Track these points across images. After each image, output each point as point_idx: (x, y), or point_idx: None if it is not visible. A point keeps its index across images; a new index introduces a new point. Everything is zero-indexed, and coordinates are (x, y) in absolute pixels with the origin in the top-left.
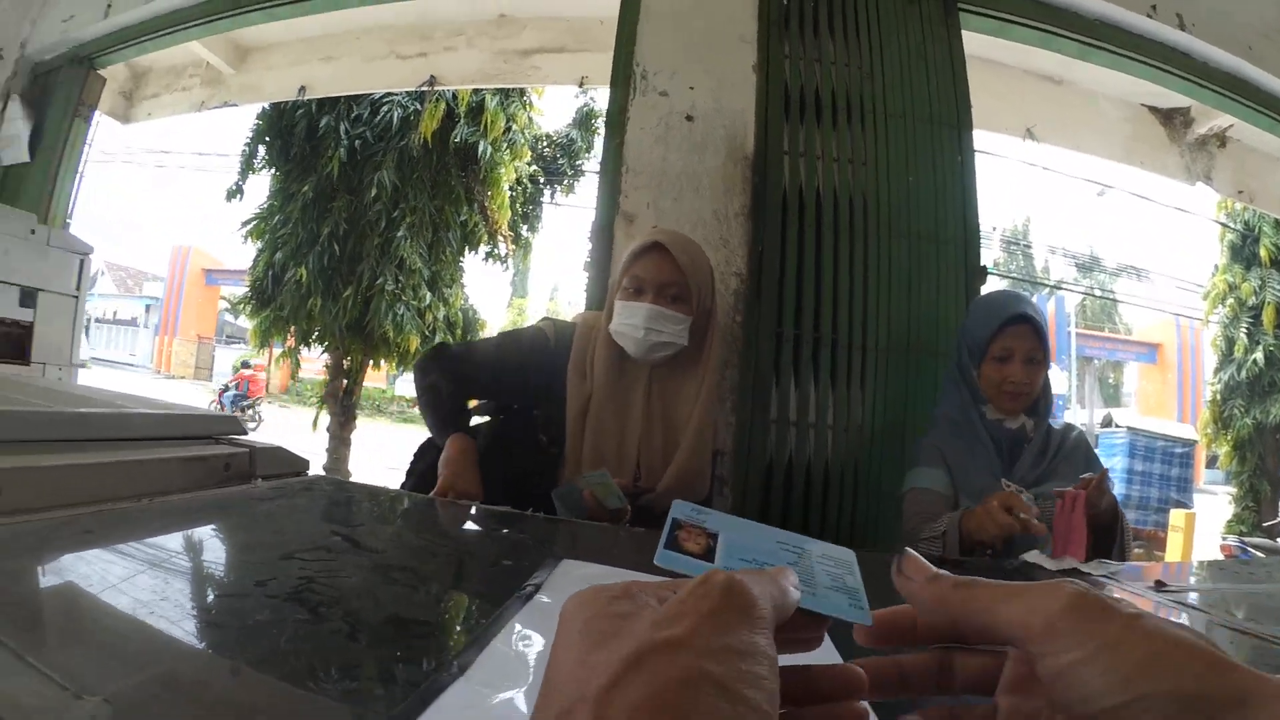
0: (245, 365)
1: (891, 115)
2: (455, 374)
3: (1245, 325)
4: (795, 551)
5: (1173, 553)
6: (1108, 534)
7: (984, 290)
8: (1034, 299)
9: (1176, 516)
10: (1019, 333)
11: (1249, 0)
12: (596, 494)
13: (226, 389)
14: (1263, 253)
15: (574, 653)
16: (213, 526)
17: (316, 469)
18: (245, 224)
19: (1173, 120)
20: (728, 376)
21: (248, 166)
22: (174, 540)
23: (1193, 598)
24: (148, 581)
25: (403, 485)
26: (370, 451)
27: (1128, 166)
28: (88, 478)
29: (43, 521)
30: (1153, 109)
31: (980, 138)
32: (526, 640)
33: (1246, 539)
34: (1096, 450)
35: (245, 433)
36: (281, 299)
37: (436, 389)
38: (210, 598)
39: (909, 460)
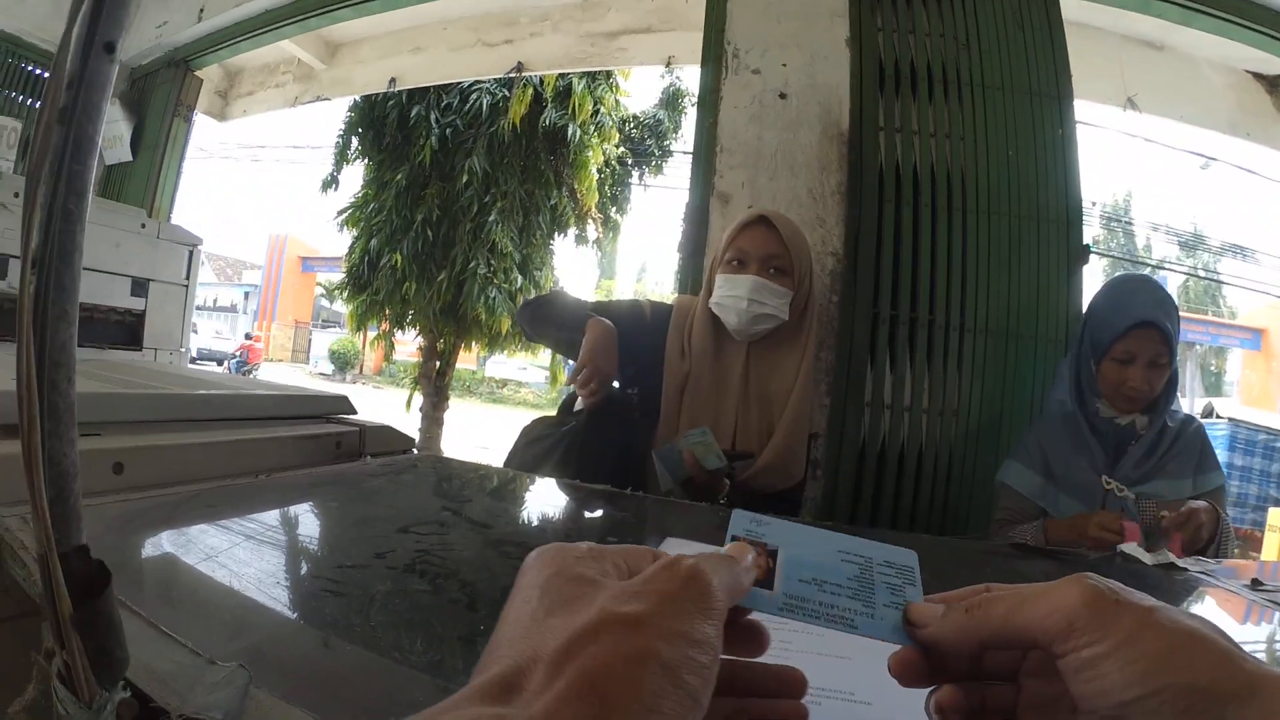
0: (248, 337)
1: (989, 87)
2: (563, 305)
3: None
4: (857, 562)
5: (1269, 552)
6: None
7: (1085, 271)
8: (1162, 286)
9: (1275, 515)
10: (1146, 336)
11: None
12: (696, 454)
13: (232, 356)
14: None
15: (531, 608)
16: (330, 501)
17: None
18: (341, 213)
19: (1278, 87)
20: (823, 358)
21: (342, 157)
22: (293, 514)
23: (1279, 597)
24: (272, 554)
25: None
26: (462, 431)
27: (1233, 138)
28: (207, 455)
29: (166, 497)
30: (1258, 76)
31: (1079, 108)
32: None
33: None
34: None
35: (355, 412)
36: (377, 284)
37: (552, 304)
38: (334, 567)
39: (1011, 448)
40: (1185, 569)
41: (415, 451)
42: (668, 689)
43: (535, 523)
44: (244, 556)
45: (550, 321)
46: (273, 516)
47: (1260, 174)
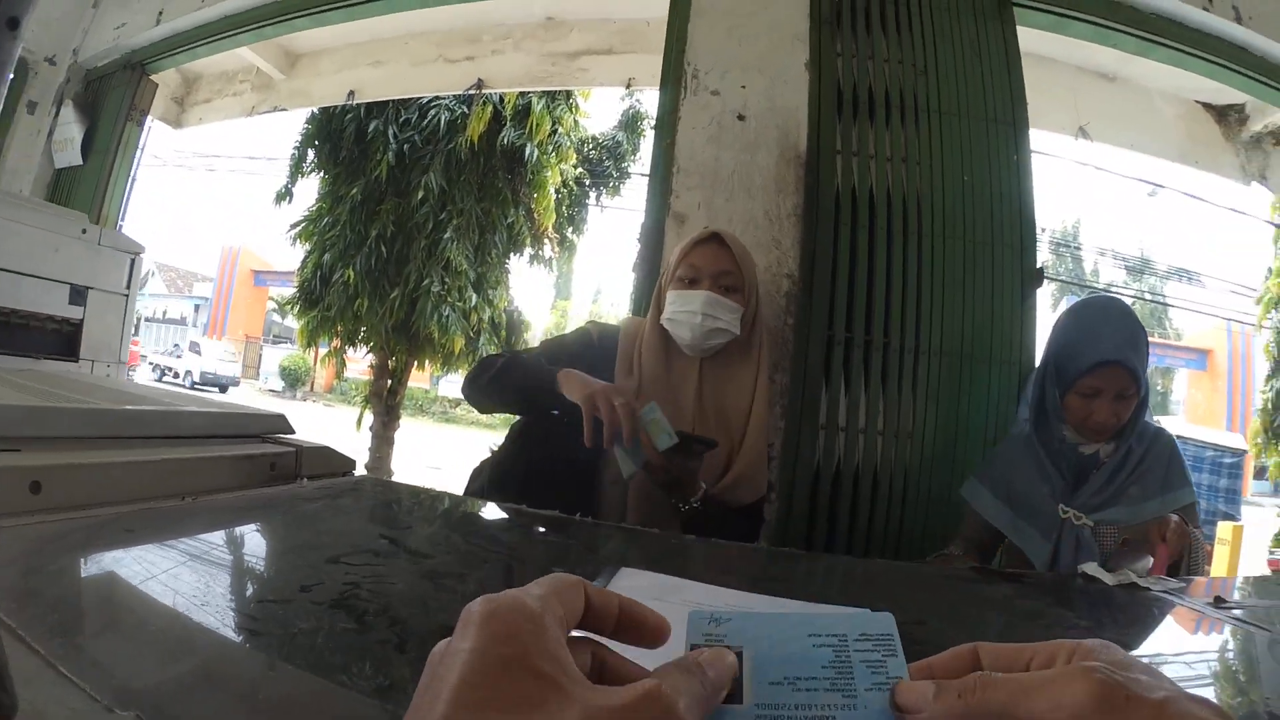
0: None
1: (946, 113)
2: (522, 368)
3: None
4: (830, 644)
5: (1219, 567)
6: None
7: (1039, 294)
8: (1131, 312)
9: (1224, 529)
10: (1112, 375)
11: None
12: (648, 432)
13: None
14: None
15: (476, 699)
16: (257, 526)
17: (359, 468)
18: (295, 226)
19: (1227, 117)
20: (777, 380)
21: (297, 170)
22: (216, 540)
23: (1239, 614)
24: (188, 585)
25: (468, 489)
26: (413, 451)
27: (1181, 165)
28: (131, 475)
29: (84, 519)
30: (1207, 106)
31: (1033, 136)
32: None
33: None
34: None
35: (293, 431)
36: (329, 299)
37: (501, 369)
38: (253, 602)
39: (972, 468)
40: (1148, 589)
41: (355, 474)
42: None
43: (478, 552)
44: (159, 589)
45: (511, 388)
46: (195, 543)
47: (1207, 200)
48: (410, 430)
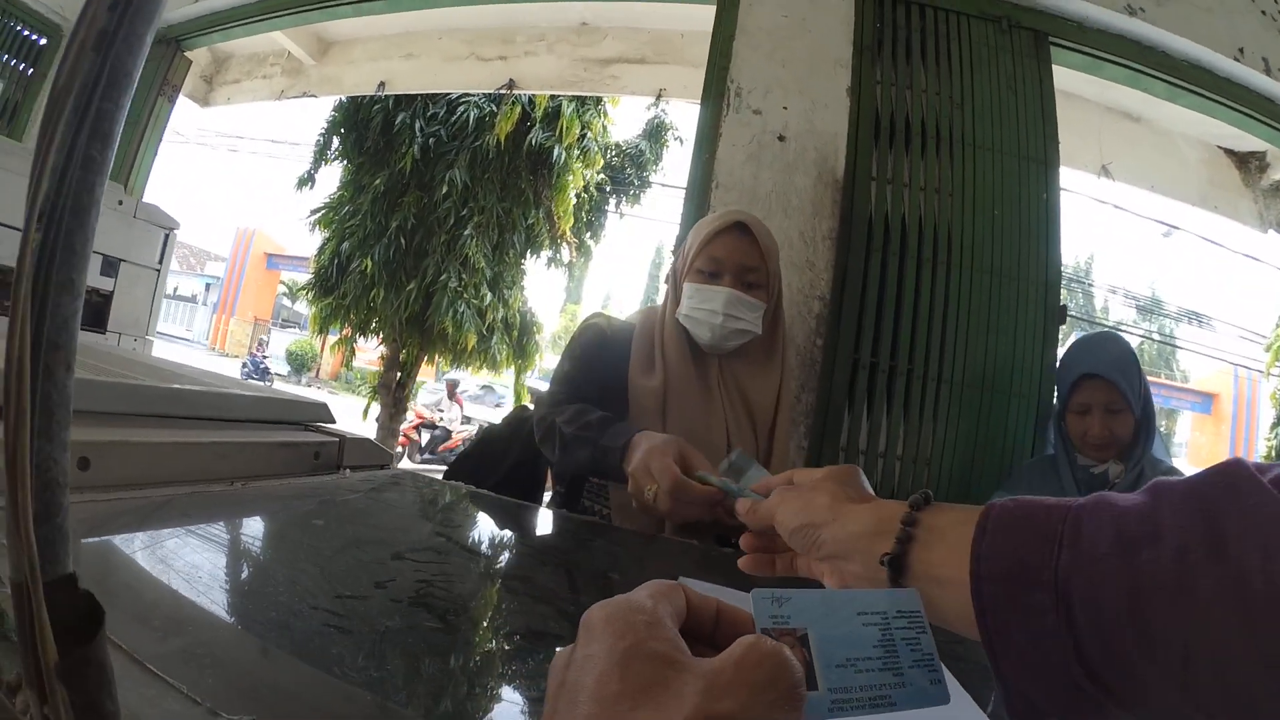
0: None
1: (980, 147)
2: (572, 406)
3: None
4: (877, 622)
5: None
6: None
7: (1061, 331)
8: (1120, 340)
9: None
10: (1094, 387)
11: None
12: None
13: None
14: None
15: (611, 692)
16: (315, 519)
17: None
18: (315, 212)
19: (1248, 164)
20: (803, 400)
21: (321, 156)
22: (278, 530)
23: None
24: (261, 578)
25: None
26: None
27: (1199, 210)
28: (180, 456)
29: (136, 500)
30: (1229, 152)
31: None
32: None
33: None
34: None
35: (334, 421)
36: (344, 288)
37: (569, 423)
38: (333, 597)
39: (998, 489)
40: None
41: (391, 467)
42: None
43: (534, 555)
44: (230, 579)
45: (583, 465)
46: (256, 531)
47: (1223, 245)
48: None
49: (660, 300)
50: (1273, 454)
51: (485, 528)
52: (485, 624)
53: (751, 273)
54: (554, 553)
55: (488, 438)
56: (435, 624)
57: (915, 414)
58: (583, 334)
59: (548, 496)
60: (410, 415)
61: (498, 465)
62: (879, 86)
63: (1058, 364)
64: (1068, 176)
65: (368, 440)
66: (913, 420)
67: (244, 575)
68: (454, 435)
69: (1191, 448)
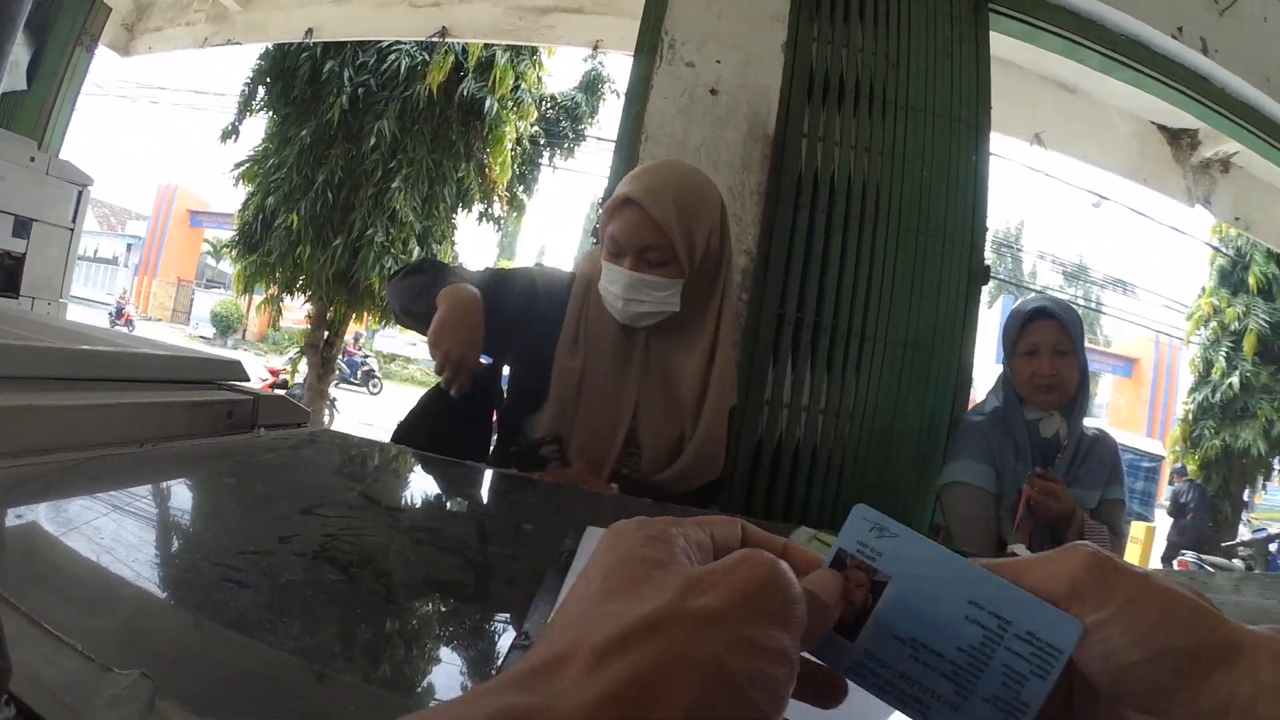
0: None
1: (912, 108)
2: (441, 270)
3: (1225, 349)
4: (987, 625)
5: (1132, 560)
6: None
7: (986, 294)
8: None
9: (1137, 529)
10: (1042, 327)
11: (1274, 33)
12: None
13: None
14: (1251, 280)
15: (591, 590)
16: (223, 476)
17: None
18: (239, 166)
19: (1180, 141)
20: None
21: (245, 107)
22: (186, 491)
23: None
24: (166, 537)
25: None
26: (345, 406)
27: (1129, 182)
28: (88, 419)
29: (41, 465)
30: (1162, 127)
31: (991, 139)
32: None
33: (1204, 556)
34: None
35: (248, 379)
36: (269, 244)
37: (413, 269)
38: (235, 553)
39: (951, 450)
40: None
41: (308, 426)
42: (728, 706)
43: (444, 507)
44: (134, 540)
45: (409, 295)
46: (163, 493)
47: (1150, 217)
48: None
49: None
50: (1190, 416)
51: (402, 483)
52: (387, 575)
53: (651, 251)
54: (470, 506)
55: (435, 397)
56: (337, 576)
57: (839, 369)
58: (520, 279)
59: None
60: (265, 373)
61: (446, 426)
62: (815, 44)
63: (1005, 320)
64: (1001, 143)
65: (284, 398)
66: (835, 375)
67: (147, 535)
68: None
69: (1112, 409)
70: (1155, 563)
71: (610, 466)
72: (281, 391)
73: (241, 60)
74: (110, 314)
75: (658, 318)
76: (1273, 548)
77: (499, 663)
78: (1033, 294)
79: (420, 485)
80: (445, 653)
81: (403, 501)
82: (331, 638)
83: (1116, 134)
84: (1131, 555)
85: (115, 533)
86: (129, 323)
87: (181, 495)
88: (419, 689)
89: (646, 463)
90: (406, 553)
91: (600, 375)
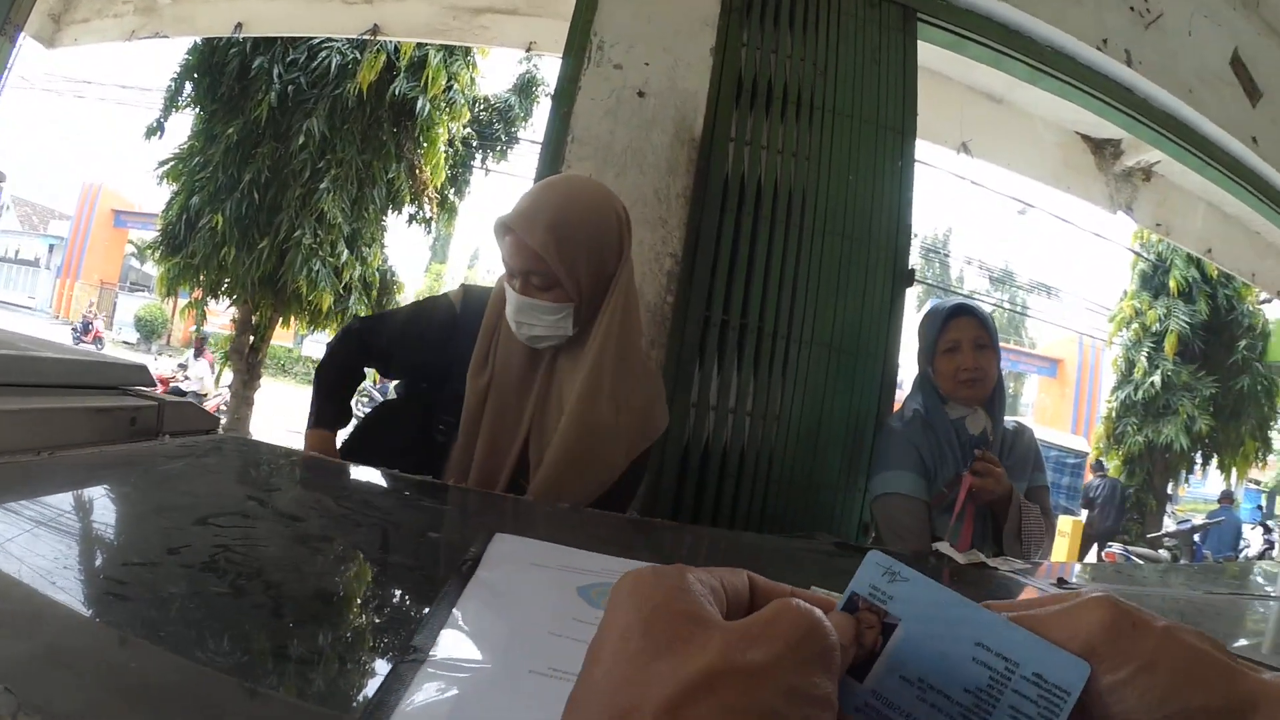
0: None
1: (840, 114)
2: (349, 352)
3: (1147, 350)
4: (994, 667)
5: (1058, 556)
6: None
7: (915, 298)
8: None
9: (1064, 523)
10: (962, 324)
11: (1196, 46)
12: None
13: None
14: (1172, 283)
15: (632, 649)
16: (119, 485)
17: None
18: (163, 164)
19: (1103, 150)
20: (653, 356)
21: (172, 103)
22: (77, 500)
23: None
24: (50, 547)
25: None
26: (274, 413)
27: (1054, 189)
28: None
29: None
30: (1086, 137)
31: (918, 146)
32: (481, 620)
33: (1130, 548)
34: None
35: (154, 384)
36: (193, 246)
37: (328, 367)
38: (119, 564)
39: (879, 459)
40: (995, 569)
41: (220, 432)
42: None
43: (351, 516)
44: (19, 551)
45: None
46: (55, 502)
47: (1073, 224)
48: (271, 391)
49: None
50: (1112, 414)
51: (308, 492)
52: (276, 587)
53: (534, 275)
54: (376, 514)
55: (384, 410)
56: (222, 589)
57: (765, 371)
58: (442, 308)
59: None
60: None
61: (393, 440)
62: (744, 49)
63: (920, 323)
64: (929, 150)
65: (191, 404)
66: (762, 377)
67: (33, 546)
68: (208, 400)
69: (1037, 408)
70: (1087, 555)
71: (504, 485)
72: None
73: (169, 55)
74: (74, 330)
75: (553, 340)
76: (1197, 538)
77: (379, 680)
78: (956, 298)
79: (327, 493)
80: (326, 668)
81: (305, 510)
82: (207, 652)
83: (1042, 143)
84: (1059, 548)
85: None
86: (98, 340)
87: (74, 505)
88: (293, 705)
89: (533, 482)
90: (301, 563)
91: (503, 393)
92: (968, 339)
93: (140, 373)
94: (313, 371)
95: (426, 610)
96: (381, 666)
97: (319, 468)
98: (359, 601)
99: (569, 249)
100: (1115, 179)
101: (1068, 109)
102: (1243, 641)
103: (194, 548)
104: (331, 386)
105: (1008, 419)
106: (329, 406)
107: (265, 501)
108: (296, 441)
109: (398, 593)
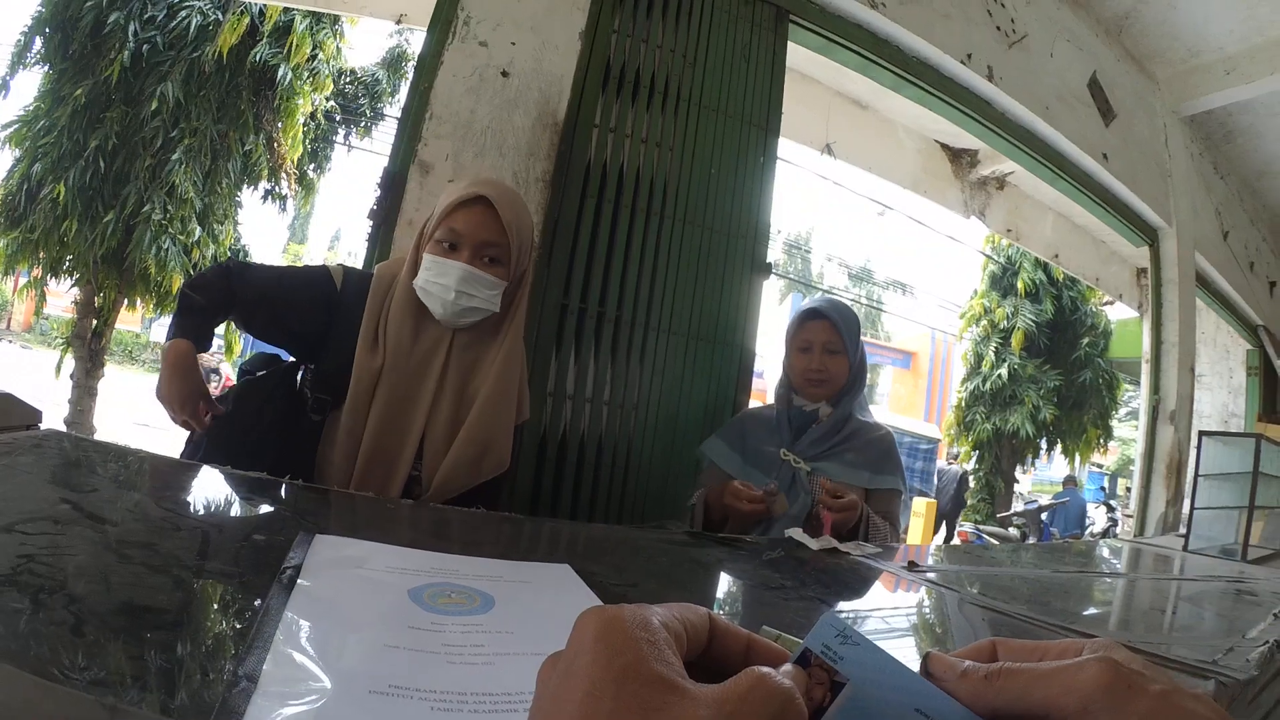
0: None
1: (706, 107)
2: (220, 288)
3: (995, 344)
4: None
5: (914, 536)
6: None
7: (777, 292)
8: (846, 305)
9: (918, 504)
10: (815, 327)
11: (1055, 66)
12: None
13: None
14: (1020, 284)
15: (604, 712)
16: None
17: (57, 422)
18: (5, 127)
19: (961, 159)
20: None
21: (19, 59)
22: None
23: (932, 576)
24: None
25: (183, 453)
26: (120, 404)
27: (912, 193)
28: None
29: None
30: (944, 146)
31: (783, 144)
32: (309, 636)
33: (981, 527)
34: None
35: None
36: (34, 219)
37: (197, 289)
38: None
39: (698, 438)
40: (848, 553)
41: (42, 427)
42: None
43: (171, 519)
44: None
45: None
46: None
47: (929, 226)
48: (117, 380)
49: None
50: (962, 403)
51: (130, 493)
52: (79, 601)
53: (491, 248)
54: (200, 516)
55: (252, 385)
56: (21, 604)
57: (623, 360)
58: (321, 275)
59: None
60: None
61: (265, 414)
62: (614, 35)
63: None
64: (794, 150)
65: (10, 396)
66: (620, 366)
67: None
68: None
69: (892, 397)
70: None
71: (403, 471)
72: None
73: (20, 5)
74: None
75: (479, 315)
76: (1044, 517)
77: (213, 713)
78: (820, 293)
79: (150, 494)
80: (136, 695)
81: (122, 514)
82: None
83: (903, 149)
84: (914, 528)
85: None
86: None
87: None
88: None
89: (427, 467)
90: (109, 574)
91: (399, 374)
92: (819, 341)
93: None
94: (161, 358)
95: (251, 627)
96: (210, 695)
97: (147, 468)
98: (170, 616)
99: (521, 234)
100: (971, 186)
101: (929, 118)
102: (1091, 611)
103: None
104: (198, 307)
105: (871, 419)
106: (191, 321)
107: (80, 504)
108: (144, 436)
109: (214, 607)
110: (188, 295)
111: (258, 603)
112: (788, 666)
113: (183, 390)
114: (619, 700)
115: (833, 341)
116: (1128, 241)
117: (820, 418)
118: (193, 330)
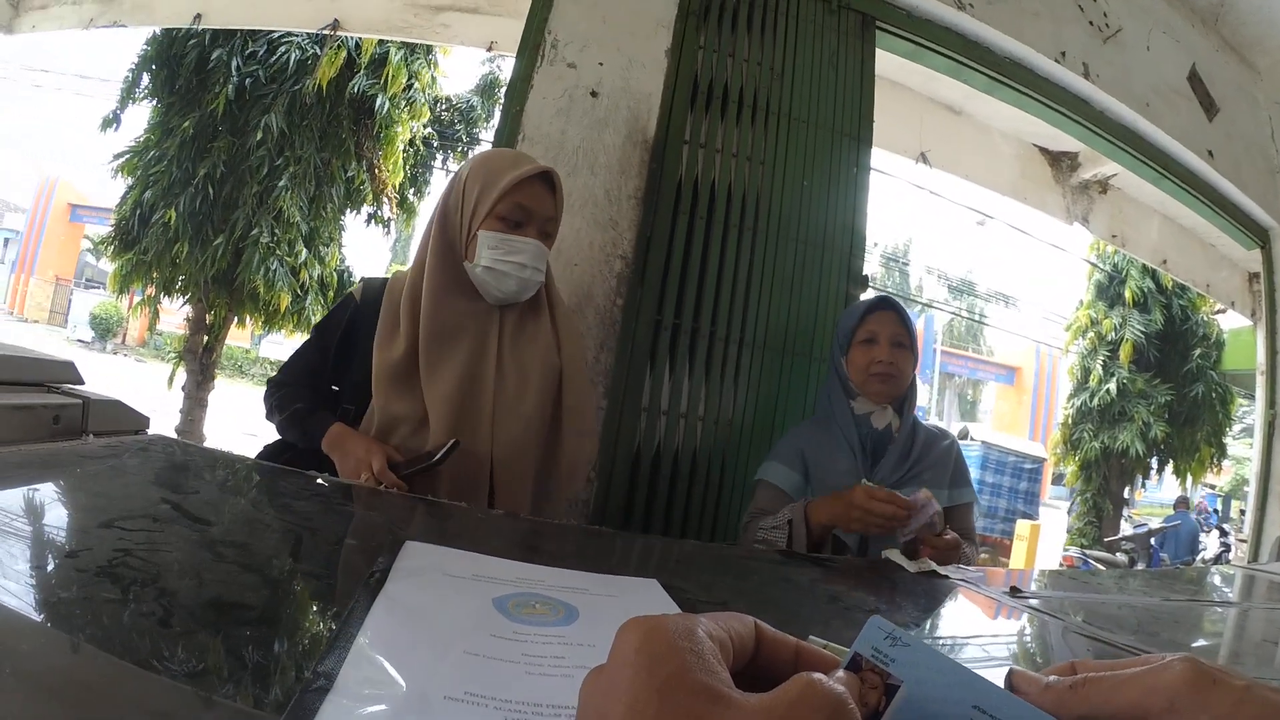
0: None
1: (796, 119)
2: (287, 393)
3: (1102, 358)
4: None
5: (1017, 559)
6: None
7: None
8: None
9: (1022, 527)
10: (882, 318)
11: (1153, 60)
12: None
13: None
14: (1127, 293)
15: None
16: (29, 486)
17: (168, 430)
18: (118, 156)
19: (1060, 162)
20: (602, 360)
21: (129, 94)
22: None
23: (1034, 603)
24: None
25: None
26: (229, 415)
27: (1011, 200)
28: None
29: None
30: (1043, 149)
31: (876, 154)
32: (391, 640)
33: (1088, 551)
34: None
35: (82, 381)
36: (146, 242)
37: (280, 411)
38: (14, 570)
39: (771, 452)
40: (947, 576)
41: (150, 433)
42: None
43: (266, 520)
44: None
45: (294, 439)
46: None
47: (1030, 234)
48: (226, 392)
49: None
50: (1069, 421)
51: (229, 495)
52: (170, 595)
53: (550, 222)
54: (295, 520)
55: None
56: (113, 595)
57: (717, 376)
58: (339, 307)
59: None
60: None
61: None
62: (701, 51)
63: (839, 320)
64: (888, 160)
65: (119, 403)
66: (714, 382)
67: None
68: None
69: (995, 415)
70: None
71: (485, 453)
72: None
73: (127, 45)
74: None
75: (535, 288)
76: (1153, 542)
77: (286, 709)
78: (918, 305)
79: (248, 496)
80: (213, 686)
81: (220, 515)
82: (82, 664)
83: (1000, 154)
84: (1018, 552)
85: None
86: None
87: None
88: None
89: (499, 444)
90: (202, 570)
91: (461, 345)
92: (886, 334)
93: (67, 369)
94: (270, 371)
95: (333, 628)
96: (285, 691)
97: (246, 472)
98: (256, 614)
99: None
100: (1072, 191)
101: (1026, 121)
102: (1201, 642)
103: (94, 551)
104: (295, 404)
105: (937, 424)
106: (310, 413)
107: (179, 504)
108: (251, 445)
109: (301, 608)
110: (279, 412)
111: (343, 605)
112: (839, 673)
113: (356, 450)
114: (663, 712)
115: (900, 335)
116: (1238, 244)
117: (893, 433)
118: (320, 416)
